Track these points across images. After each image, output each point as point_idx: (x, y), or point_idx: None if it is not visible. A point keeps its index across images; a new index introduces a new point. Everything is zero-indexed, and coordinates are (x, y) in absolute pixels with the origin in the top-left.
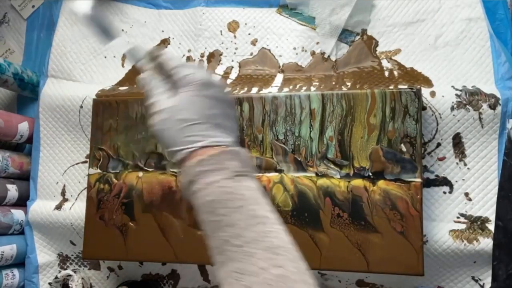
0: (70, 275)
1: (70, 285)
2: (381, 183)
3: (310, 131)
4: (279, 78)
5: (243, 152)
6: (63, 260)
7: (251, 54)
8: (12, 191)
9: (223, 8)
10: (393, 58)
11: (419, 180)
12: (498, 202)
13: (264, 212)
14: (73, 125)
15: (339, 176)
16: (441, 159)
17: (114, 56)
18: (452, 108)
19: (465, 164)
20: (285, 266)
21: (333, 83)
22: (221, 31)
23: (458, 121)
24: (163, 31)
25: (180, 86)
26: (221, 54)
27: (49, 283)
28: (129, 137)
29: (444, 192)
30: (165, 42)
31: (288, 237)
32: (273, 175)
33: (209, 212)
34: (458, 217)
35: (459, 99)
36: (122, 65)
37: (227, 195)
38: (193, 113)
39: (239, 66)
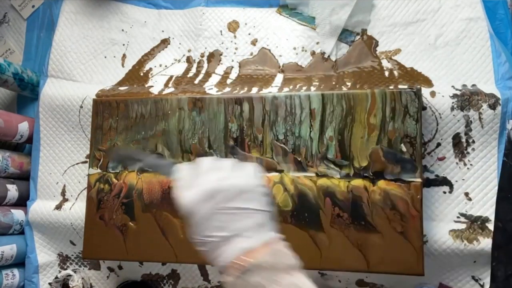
0: (70, 275)
1: (70, 285)
2: (381, 183)
3: (310, 131)
4: (279, 78)
5: None
6: (63, 260)
7: (251, 54)
8: (12, 191)
9: (223, 8)
10: (393, 58)
11: (419, 180)
12: (498, 203)
13: None
14: (73, 125)
15: (339, 176)
16: (441, 159)
17: (114, 56)
18: (452, 108)
19: (465, 164)
20: None
21: (333, 83)
22: (221, 31)
23: (458, 121)
24: (163, 31)
25: None
26: (221, 54)
27: (49, 283)
28: (129, 137)
29: (444, 192)
30: (165, 42)
31: None
32: (273, 175)
33: None
34: (458, 217)
35: (458, 99)
36: (122, 65)
37: None
38: None
39: (239, 66)
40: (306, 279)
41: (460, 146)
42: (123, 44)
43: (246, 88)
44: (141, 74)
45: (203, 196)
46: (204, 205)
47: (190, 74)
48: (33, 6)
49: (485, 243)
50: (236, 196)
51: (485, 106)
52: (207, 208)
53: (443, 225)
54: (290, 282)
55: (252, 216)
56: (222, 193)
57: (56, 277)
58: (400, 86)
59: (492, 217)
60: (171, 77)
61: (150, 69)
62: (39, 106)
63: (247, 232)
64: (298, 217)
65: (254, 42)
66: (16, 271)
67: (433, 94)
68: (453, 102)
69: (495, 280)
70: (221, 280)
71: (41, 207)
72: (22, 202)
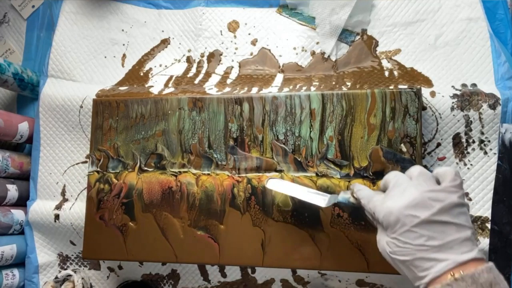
0: (70, 275)
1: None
2: None
3: (310, 131)
4: (279, 78)
5: None
6: (63, 260)
7: (251, 54)
8: (12, 191)
9: (223, 8)
10: (393, 58)
11: None
12: (493, 206)
13: None
14: (73, 125)
15: (339, 176)
16: (441, 159)
17: (114, 56)
18: (452, 108)
19: (465, 164)
20: None
21: (333, 83)
22: (221, 31)
23: (458, 121)
24: (163, 31)
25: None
26: (221, 54)
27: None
28: (129, 137)
29: None
30: (165, 42)
31: None
32: (273, 175)
33: None
34: None
35: (458, 99)
36: (122, 65)
37: None
38: None
39: (239, 66)
40: None
41: (460, 146)
42: (123, 44)
43: (246, 88)
44: (141, 74)
45: (417, 206)
46: (417, 214)
47: (190, 74)
48: (33, 6)
49: (485, 243)
50: (450, 209)
51: (485, 106)
52: (420, 218)
53: None
54: None
55: (462, 231)
56: (437, 205)
57: (56, 277)
58: (400, 86)
59: None
60: (171, 77)
61: (150, 69)
62: (39, 106)
63: (459, 246)
64: (298, 217)
65: (254, 42)
66: (16, 271)
67: (433, 94)
68: (453, 102)
69: None
70: None
71: (41, 207)
72: (22, 202)
